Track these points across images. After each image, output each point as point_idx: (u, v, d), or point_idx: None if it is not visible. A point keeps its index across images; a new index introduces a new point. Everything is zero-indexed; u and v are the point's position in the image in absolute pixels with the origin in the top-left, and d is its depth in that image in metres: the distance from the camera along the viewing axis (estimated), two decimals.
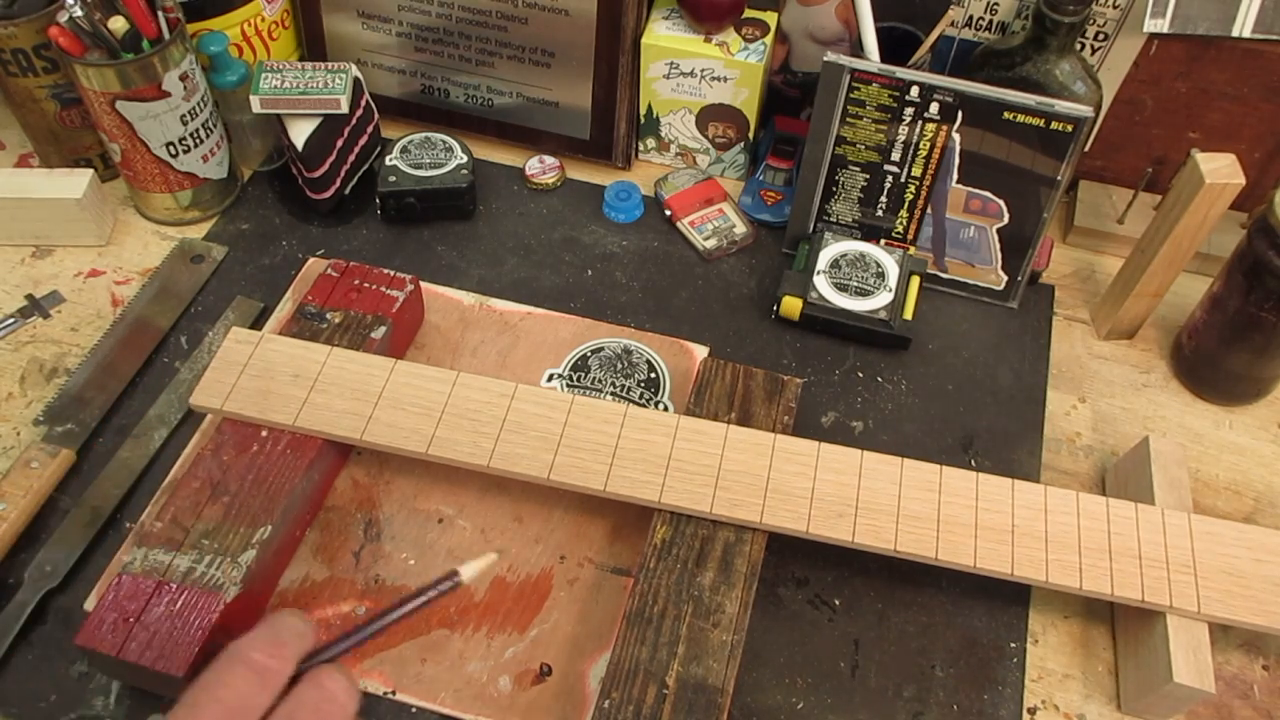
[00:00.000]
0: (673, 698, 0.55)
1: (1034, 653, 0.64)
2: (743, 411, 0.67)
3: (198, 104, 0.78)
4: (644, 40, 0.83)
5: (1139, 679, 0.61)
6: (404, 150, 0.85)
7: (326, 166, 0.82)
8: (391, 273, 0.73)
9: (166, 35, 0.74)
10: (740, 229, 0.85)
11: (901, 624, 0.64)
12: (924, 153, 0.76)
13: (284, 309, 0.76)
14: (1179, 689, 0.57)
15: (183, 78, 0.75)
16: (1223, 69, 0.78)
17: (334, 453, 0.66)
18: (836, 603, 0.65)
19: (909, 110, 0.74)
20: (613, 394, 0.73)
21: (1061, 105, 0.71)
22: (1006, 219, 0.78)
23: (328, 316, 0.70)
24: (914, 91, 0.74)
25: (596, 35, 0.82)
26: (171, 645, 0.54)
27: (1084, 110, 0.71)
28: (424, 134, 0.86)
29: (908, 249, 0.81)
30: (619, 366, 0.74)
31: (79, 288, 0.79)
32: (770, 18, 0.85)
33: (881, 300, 0.77)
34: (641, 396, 0.73)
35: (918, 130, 0.75)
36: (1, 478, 0.65)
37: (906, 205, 0.80)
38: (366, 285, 0.72)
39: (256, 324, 0.77)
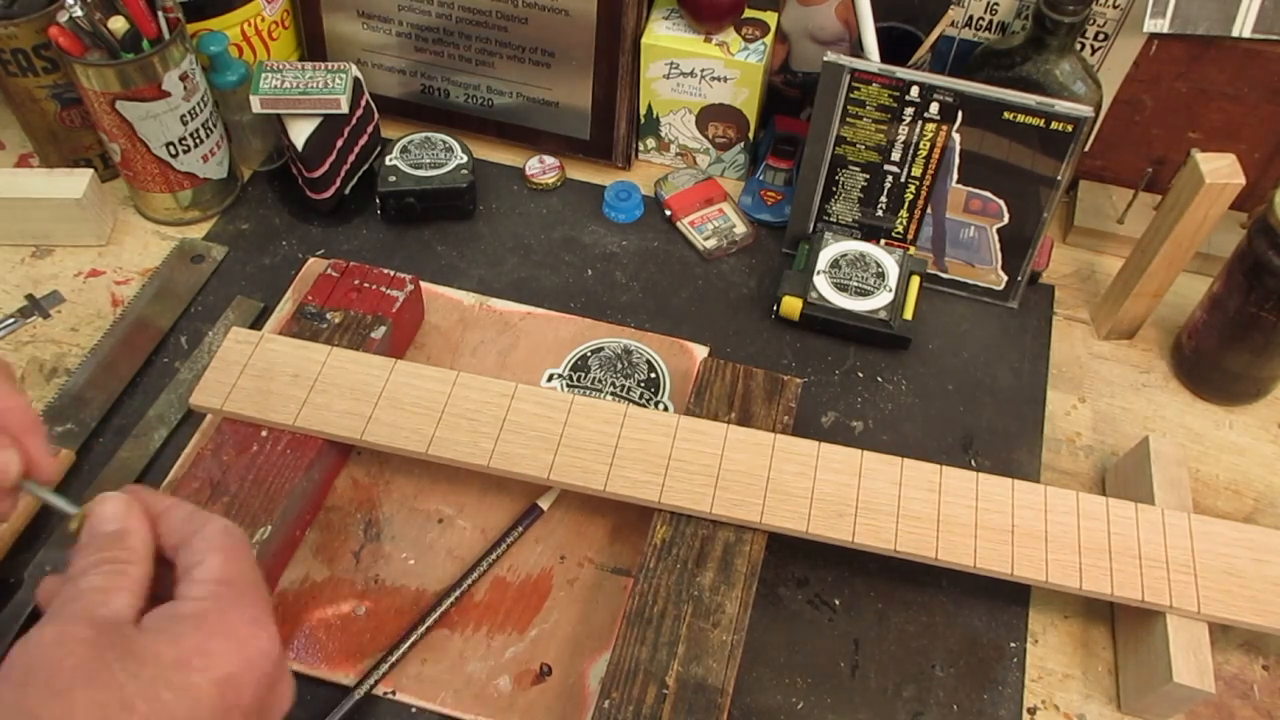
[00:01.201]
0: (673, 698, 0.55)
1: (1034, 653, 0.64)
2: (743, 411, 0.67)
3: (198, 104, 0.78)
4: (644, 40, 0.83)
5: (1139, 679, 0.61)
6: (404, 150, 0.85)
7: (326, 166, 0.82)
8: (391, 273, 0.73)
9: (166, 35, 0.74)
10: (740, 229, 0.85)
11: (901, 624, 0.64)
12: (924, 153, 0.76)
13: (284, 309, 0.76)
14: (1179, 689, 0.57)
15: (183, 78, 0.75)
16: (1223, 69, 0.78)
17: (334, 453, 0.66)
18: (836, 603, 0.65)
19: (909, 110, 0.74)
20: (613, 394, 0.73)
21: (1061, 105, 0.71)
22: (1006, 219, 0.78)
23: (328, 316, 0.70)
24: (914, 91, 0.74)
25: (596, 35, 0.82)
26: None
27: (1084, 110, 0.71)
28: (424, 134, 0.86)
29: (908, 249, 0.81)
30: (619, 366, 0.74)
31: (79, 288, 0.79)
32: (770, 18, 0.84)
33: (881, 300, 0.77)
34: (641, 396, 0.73)
35: (918, 130, 0.75)
36: None
37: (906, 205, 0.80)
38: (366, 285, 0.72)
39: (256, 324, 0.77)
